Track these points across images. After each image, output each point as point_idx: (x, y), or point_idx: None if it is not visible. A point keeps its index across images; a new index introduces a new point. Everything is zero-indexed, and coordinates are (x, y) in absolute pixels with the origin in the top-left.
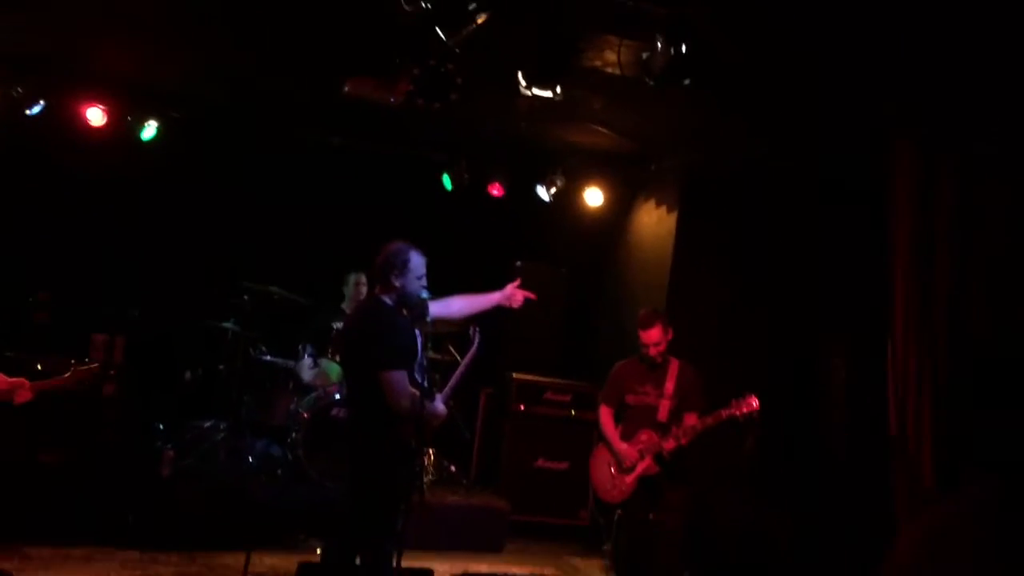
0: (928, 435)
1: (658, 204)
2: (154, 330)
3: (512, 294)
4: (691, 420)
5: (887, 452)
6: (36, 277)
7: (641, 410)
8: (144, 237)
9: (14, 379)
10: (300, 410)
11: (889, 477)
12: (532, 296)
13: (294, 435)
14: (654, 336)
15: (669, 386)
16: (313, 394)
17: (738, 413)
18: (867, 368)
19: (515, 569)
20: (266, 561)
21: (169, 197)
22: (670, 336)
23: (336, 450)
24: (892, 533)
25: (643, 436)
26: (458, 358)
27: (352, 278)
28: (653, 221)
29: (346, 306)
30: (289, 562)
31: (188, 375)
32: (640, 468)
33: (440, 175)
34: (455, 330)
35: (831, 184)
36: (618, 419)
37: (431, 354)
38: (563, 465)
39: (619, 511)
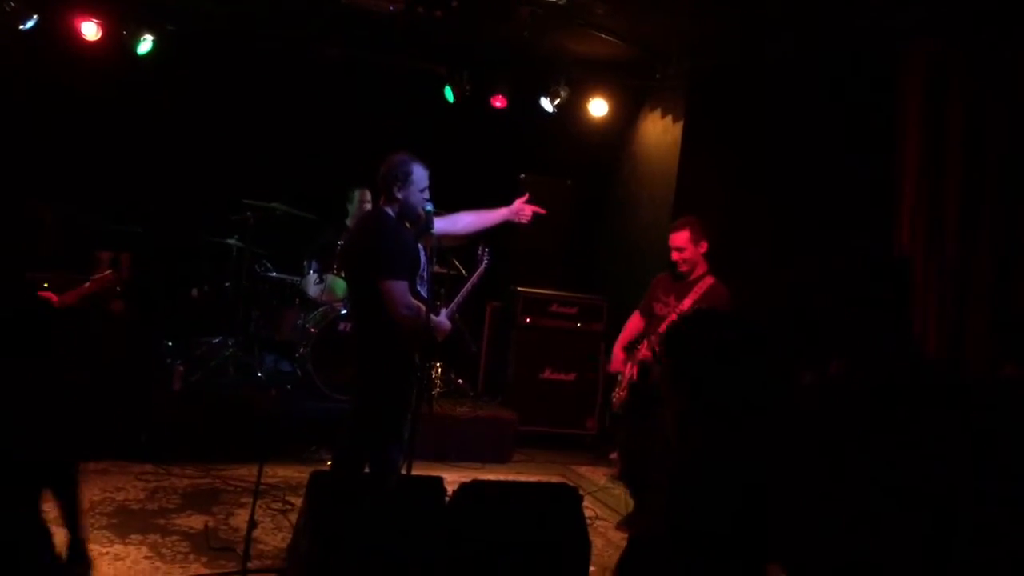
0: (932, 341)
1: (664, 113)
2: (159, 248)
3: (520, 209)
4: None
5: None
6: (37, 195)
7: (657, 320)
8: (145, 154)
9: (41, 292)
10: (307, 325)
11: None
12: (541, 211)
13: (302, 350)
14: (678, 240)
15: (687, 302)
16: (319, 309)
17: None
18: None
19: (523, 478)
20: (278, 472)
21: (168, 113)
22: (702, 249)
23: (344, 364)
24: None
25: (641, 345)
26: (463, 272)
27: (356, 194)
28: (659, 131)
29: (350, 222)
30: (300, 473)
31: (195, 292)
32: (626, 375)
33: (442, 87)
34: (460, 244)
35: (840, 89)
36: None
37: (436, 268)
38: (569, 376)
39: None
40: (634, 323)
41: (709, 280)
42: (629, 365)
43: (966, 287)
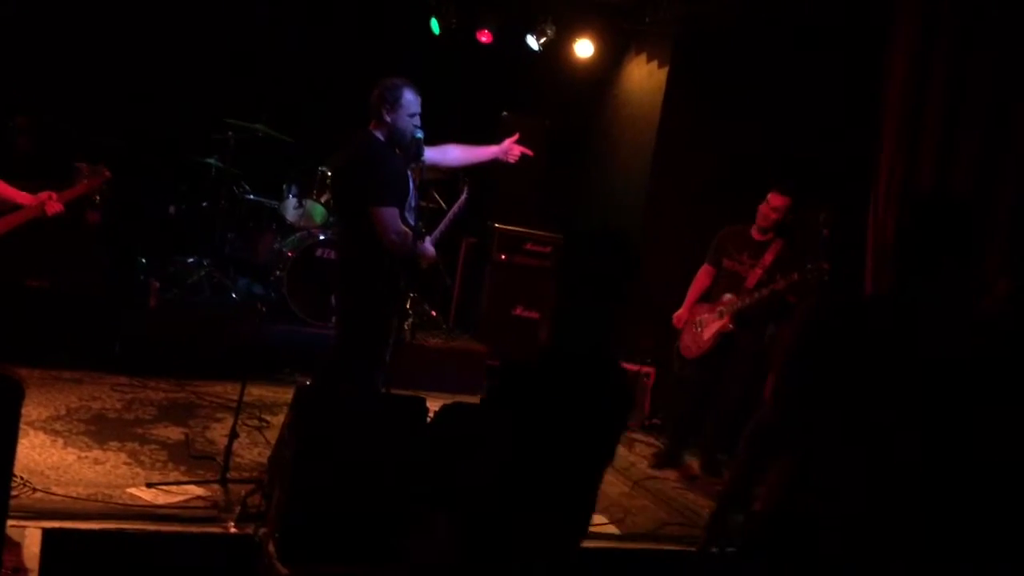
0: None
1: (649, 58)
2: (138, 163)
3: (509, 148)
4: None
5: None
6: (14, 102)
7: (732, 275)
8: (127, 66)
9: (41, 193)
10: (284, 249)
11: None
12: (529, 152)
13: (277, 273)
14: (780, 202)
15: (768, 257)
16: (297, 234)
17: (801, 277)
18: (849, 226)
19: None
20: (252, 392)
21: (154, 26)
22: (787, 220)
23: (318, 290)
24: None
25: (725, 298)
26: (443, 206)
27: None
28: (643, 75)
29: None
30: (274, 393)
31: (172, 210)
32: (717, 326)
33: (428, 18)
34: (443, 178)
35: (827, 39)
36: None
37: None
38: (540, 315)
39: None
40: (703, 278)
41: (781, 241)
42: (711, 318)
43: None
